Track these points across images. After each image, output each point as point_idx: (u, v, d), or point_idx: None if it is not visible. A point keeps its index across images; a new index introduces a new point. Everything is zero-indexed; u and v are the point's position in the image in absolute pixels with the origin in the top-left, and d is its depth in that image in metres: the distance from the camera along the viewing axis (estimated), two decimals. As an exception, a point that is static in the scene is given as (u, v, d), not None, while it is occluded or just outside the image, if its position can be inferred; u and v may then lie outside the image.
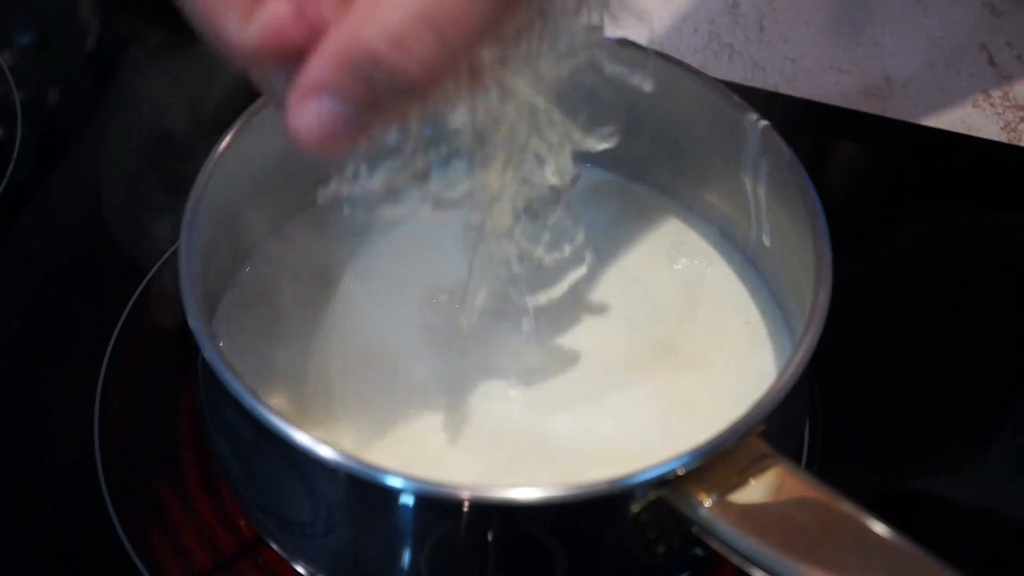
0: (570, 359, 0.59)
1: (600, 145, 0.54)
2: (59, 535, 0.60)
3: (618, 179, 0.67)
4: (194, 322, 0.51)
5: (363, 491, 0.49)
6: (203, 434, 0.57)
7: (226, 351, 0.50)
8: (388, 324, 0.60)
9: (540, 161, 0.52)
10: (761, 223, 0.62)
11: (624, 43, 0.62)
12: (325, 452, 0.47)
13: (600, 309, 0.62)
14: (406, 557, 0.50)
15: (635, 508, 0.48)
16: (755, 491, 0.47)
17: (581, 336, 0.60)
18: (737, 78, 0.84)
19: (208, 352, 0.50)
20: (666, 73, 0.62)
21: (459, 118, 0.48)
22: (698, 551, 0.49)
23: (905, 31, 0.89)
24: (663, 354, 0.60)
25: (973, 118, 0.83)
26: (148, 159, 0.78)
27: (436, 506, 0.49)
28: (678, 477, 0.47)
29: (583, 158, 0.68)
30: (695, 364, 0.60)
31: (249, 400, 0.48)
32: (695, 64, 0.65)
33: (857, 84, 0.85)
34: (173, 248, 0.68)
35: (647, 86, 0.52)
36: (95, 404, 0.64)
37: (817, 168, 0.76)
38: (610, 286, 0.62)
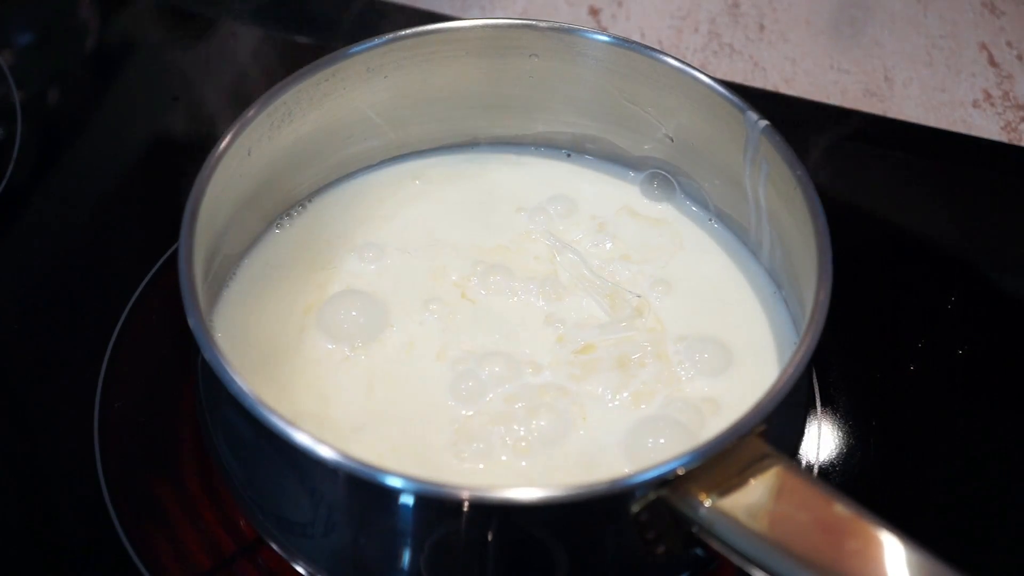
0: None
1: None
2: (59, 535, 0.60)
3: (620, 174, 0.68)
4: (194, 322, 0.51)
5: (363, 491, 0.49)
6: (203, 434, 0.57)
7: (225, 350, 0.50)
8: (385, 323, 0.60)
9: None
10: (761, 222, 0.62)
11: (625, 43, 0.63)
12: (325, 452, 0.47)
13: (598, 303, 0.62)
14: (406, 557, 0.50)
15: (635, 508, 0.48)
16: (755, 491, 0.47)
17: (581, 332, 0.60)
18: (737, 78, 0.84)
19: (208, 352, 0.50)
20: (667, 73, 0.62)
21: None
22: (698, 551, 0.49)
23: (905, 31, 0.89)
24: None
25: (973, 118, 0.83)
26: (148, 159, 0.78)
27: (436, 506, 0.48)
28: (678, 477, 0.47)
29: (583, 151, 0.68)
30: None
31: (249, 400, 0.48)
32: (695, 64, 0.65)
33: (857, 84, 0.85)
34: (173, 248, 0.68)
35: None
36: (95, 404, 0.64)
37: (817, 168, 0.76)
38: (611, 279, 0.62)
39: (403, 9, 0.86)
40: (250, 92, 0.63)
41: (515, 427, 0.56)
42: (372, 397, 0.57)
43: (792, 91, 0.84)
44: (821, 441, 0.64)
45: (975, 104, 0.84)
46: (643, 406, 0.57)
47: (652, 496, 0.47)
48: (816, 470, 0.63)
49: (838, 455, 0.64)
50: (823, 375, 0.66)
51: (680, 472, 0.47)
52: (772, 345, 0.60)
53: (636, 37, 0.86)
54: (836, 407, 0.66)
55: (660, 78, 0.62)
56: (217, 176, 0.56)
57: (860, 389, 0.67)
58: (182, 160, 0.64)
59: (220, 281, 0.61)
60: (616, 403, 0.57)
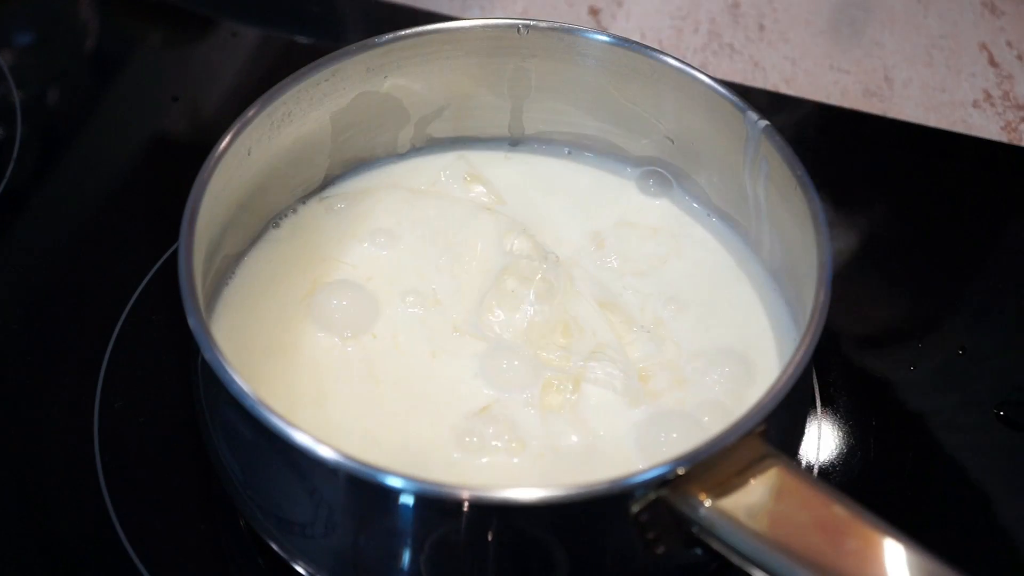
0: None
1: None
2: (59, 535, 0.60)
3: (620, 173, 0.68)
4: (194, 322, 0.51)
5: (363, 491, 0.49)
6: (203, 434, 0.57)
7: (225, 350, 0.50)
8: (383, 324, 0.60)
9: None
10: (761, 222, 0.62)
11: (625, 43, 0.63)
12: (325, 452, 0.47)
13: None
14: (406, 557, 0.50)
15: (635, 508, 0.48)
16: (755, 491, 0.47)
17: (581, 333, 0.60)
18: (737, 78, 0.84)
19: (208, 352, 0.50)
20: (667, 73, 0.62)
21: None
22: (698, 551, 0.49)
23: (905, 31, 0.89)
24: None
25: (973, 118, 0.83)
26: (148, 159, 0.78)
27: (436, 506, 0.48)
28: (678, 477, 0.47)
29: (588, 149, 0.68)
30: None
31: (249, 400, 0.48)
32: (695, 64, 0.65)
33: (857, 84, 0.85)
34: (173, 248, 0.68)
35: None
36: (95, 404, 0.64)
37: (817, 168, 0.76)
38: (612, 282, 0.62)
39: (403, 9, 0.86)
40: (250, 92, 0.63)
41: (520, 429, 0.56)
42: (375, 394, 0.57)
43: (792, 91, 0.84)
44: (821, 441, 0.64)
45: (975, 104, 0.84)
46: (643, 406, 0.57)
47: (652, 496, 0.47)
48: (816, 470, 0.63)
49: (838, 455, 0.64)
50: (823, 375, 0.66)
51: (680, 472, 0.47)
52: (772, 345, 0.60)
53: (636, 37, 0.86)
54: (836, 407, 0.66)
55: (660, 78, 0.62)
56: (217, 176, 0.56)
57: (860, 389, 0.67)
58: (182, 160, 0.63)
59: (220, 281, 0.61)
60: (614, 399, 0.57)
